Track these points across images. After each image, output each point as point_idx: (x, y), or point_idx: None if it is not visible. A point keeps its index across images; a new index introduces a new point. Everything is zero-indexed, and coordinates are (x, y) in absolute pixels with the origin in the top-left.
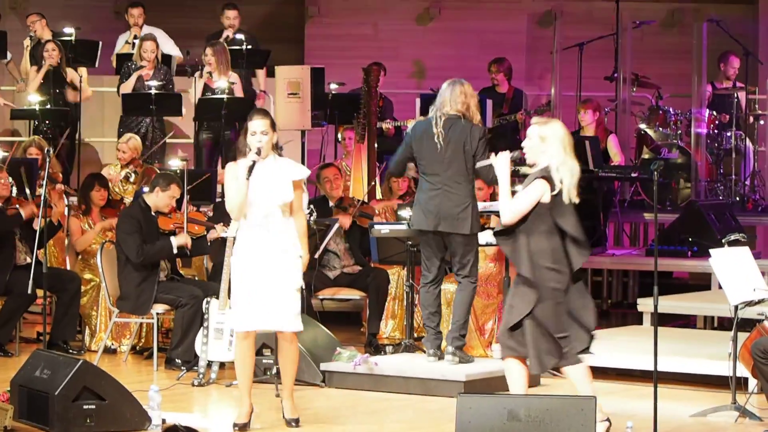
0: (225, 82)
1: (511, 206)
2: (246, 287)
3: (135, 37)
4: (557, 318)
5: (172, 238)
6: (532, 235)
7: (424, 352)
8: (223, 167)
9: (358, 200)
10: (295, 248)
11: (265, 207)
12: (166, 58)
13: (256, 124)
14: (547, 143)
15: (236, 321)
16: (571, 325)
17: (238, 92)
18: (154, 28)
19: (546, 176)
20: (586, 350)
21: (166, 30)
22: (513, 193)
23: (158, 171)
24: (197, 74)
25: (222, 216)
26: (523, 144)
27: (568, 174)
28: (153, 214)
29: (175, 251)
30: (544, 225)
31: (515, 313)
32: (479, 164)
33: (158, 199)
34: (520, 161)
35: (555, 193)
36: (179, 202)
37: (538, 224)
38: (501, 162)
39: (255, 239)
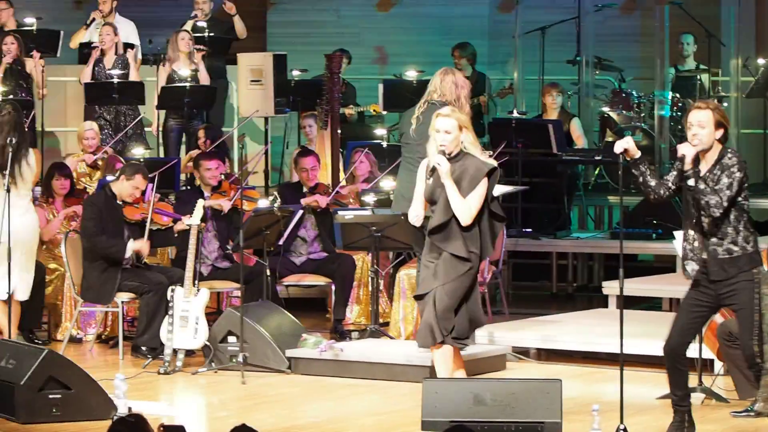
0: (187, 71)
1: (471, 207)
2: None
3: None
4: (455, 298)
5: (130, 243)
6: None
7: (389, 337)
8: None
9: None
10: None
11: None
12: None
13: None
14: (465, 131)
15: None
16: (462, 310)
17: (204, 78)
18: (125, 20)
19: (496, 167)
20: (459, 339)
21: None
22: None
23: (122, 160)
24: (161, 63)
25: (184, 205)
26: (442, 139)
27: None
28: (119, 202)
29: (128, 255)
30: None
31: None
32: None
33: (122, 187)
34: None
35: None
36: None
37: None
38: (443, 164)
39: None
